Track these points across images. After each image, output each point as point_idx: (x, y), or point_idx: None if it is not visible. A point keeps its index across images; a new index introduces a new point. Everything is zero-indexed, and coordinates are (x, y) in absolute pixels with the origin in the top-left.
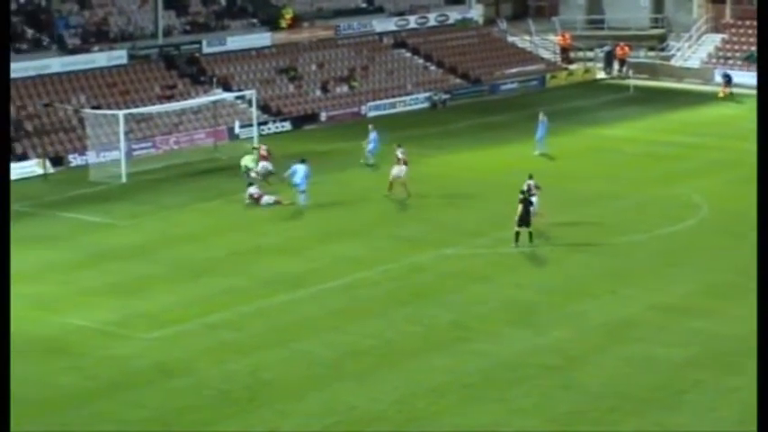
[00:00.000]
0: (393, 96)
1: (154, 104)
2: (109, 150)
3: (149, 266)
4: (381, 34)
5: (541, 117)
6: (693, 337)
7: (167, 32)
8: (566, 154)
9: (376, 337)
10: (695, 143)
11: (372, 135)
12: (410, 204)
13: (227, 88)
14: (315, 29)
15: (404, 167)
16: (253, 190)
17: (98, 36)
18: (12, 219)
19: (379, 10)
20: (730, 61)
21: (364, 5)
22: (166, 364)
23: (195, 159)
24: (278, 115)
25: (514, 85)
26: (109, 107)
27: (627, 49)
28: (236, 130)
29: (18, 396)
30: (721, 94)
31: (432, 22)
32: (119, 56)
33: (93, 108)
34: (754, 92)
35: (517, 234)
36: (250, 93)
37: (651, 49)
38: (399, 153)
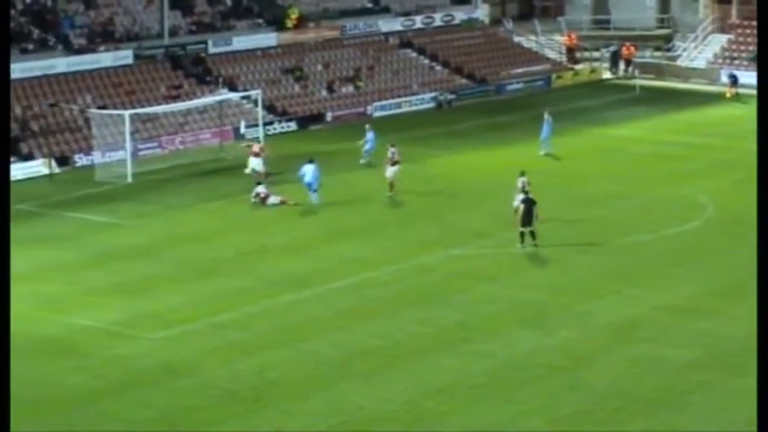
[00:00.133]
0: (399, 96)
1: (159, 104)
2: (114, 150)
3: (155, 266)
4: (387, 34)
5: (546, 116)
6: (699, 337)
7: (173, 32)
8: (571, 154)
9: (383, 338)
10: (701, 143)
11: (369, 135)
12: (416, 205)
13: (233, 88)
14: (320, 29)
15: (395, 168)
16: (260, 189)
17: (104, 36)
18: (18, 219)
19: (385, 10)
20: (736, 62)
21: (370, 5)
22: (172, 363)
23: (201, 159)
24: (284, 115)
25: (520, 86)
26: (115, 107)
27: (633, 49)
28: (242, 130)
29: (24, 396)
30: (728, 95)
31: (437, 23)
32: (124, 56)
33: (99, 108)
34: None
35: (522, 234)
36: (256, 93)
37: (657, 49)
38: (390, 153)
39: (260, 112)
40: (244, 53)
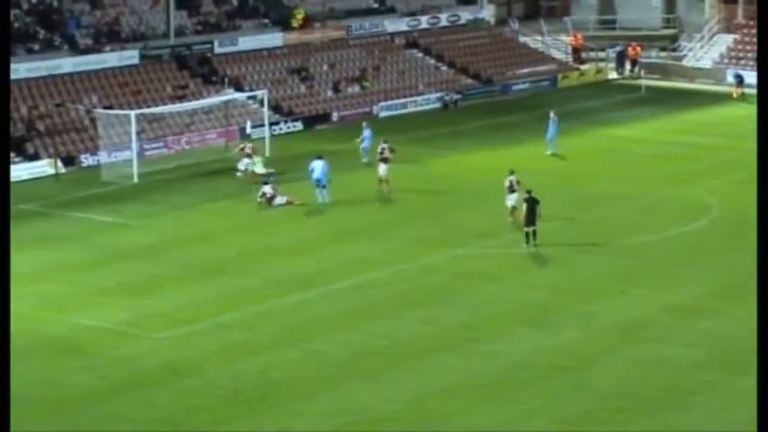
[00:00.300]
0: (404, 96)
1: (165, 104)
2: (120, 150)
3: (161, 266)
4: (393, 34)
5: (552, 116)
6: (704, 337)
7: (179, 32)
8: (577, 154)
9: (388, 338)
10: (706, 144)
11: (366, 132)
12: (421, 205)
13: (239, 88)
14: (326, 29)
15: (386, 164)
16: (267, 189)
17: (110, 36)
18: (23, 219)
19: (391, 10)
20: (742, 62)
21: (376, 6)
22: (178, 363)
23: (207, 159)
24: (289, 115)
25: (526, 86)
26: (121, 107)
27: (639, 49)
28: (248, 130)
29: (30, 396)
30: (735, 95)
31: (443, 23)
32: (130, 56)
33: (105, 108)
34: None
35: (527, 234)
36: (261, 93)
37: (663, 49)
38: (380, 149)
39: (266, 112)
40: (250, 53)
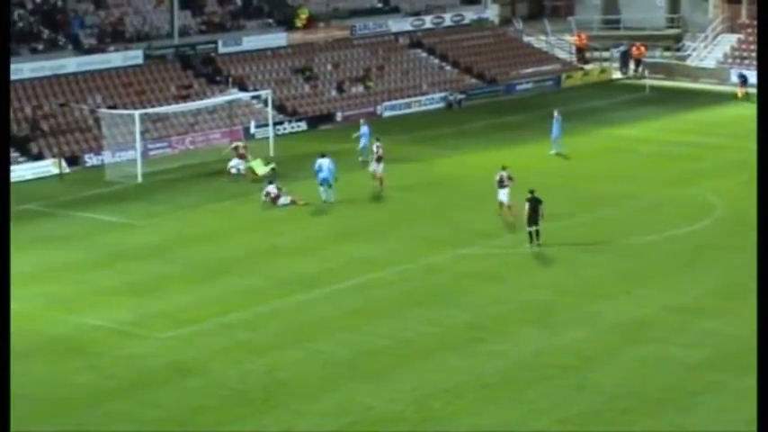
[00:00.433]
0: (408, 96)
1: (169, 104)
2: (125, 150)
3: (165, 266)
4: (397, 34)
5: (556, 115)
6: (708, 337)
7: (183, 32)
8: (581, 154)
9: (392, 338)
10: (711, 143)
11: (363, 129)
12: (424, 205)
13: (243, 88)
14: (330, 29)
15: (380, 163)
16: (271, 188)
17: (114, 36)
18: (27, 219)
19: (395, 10)
20: (746, 61)
21: (380, 5)
22: (182, 363)
23: (211, 159)
24: (293, 115)
25: (530, 86)
26: (125, 107)
27: (643, 49)
28: (252, 129)
29: (34, 395)
30: (739, 95)
31: (447, 22)
32: (134, 56)
33: (109, 108)
34: None
35: (530, 234)
36: (266, 93)
37: (667, 49)
38: (375, 147)
39: (270, 111)
40: (254, 53)
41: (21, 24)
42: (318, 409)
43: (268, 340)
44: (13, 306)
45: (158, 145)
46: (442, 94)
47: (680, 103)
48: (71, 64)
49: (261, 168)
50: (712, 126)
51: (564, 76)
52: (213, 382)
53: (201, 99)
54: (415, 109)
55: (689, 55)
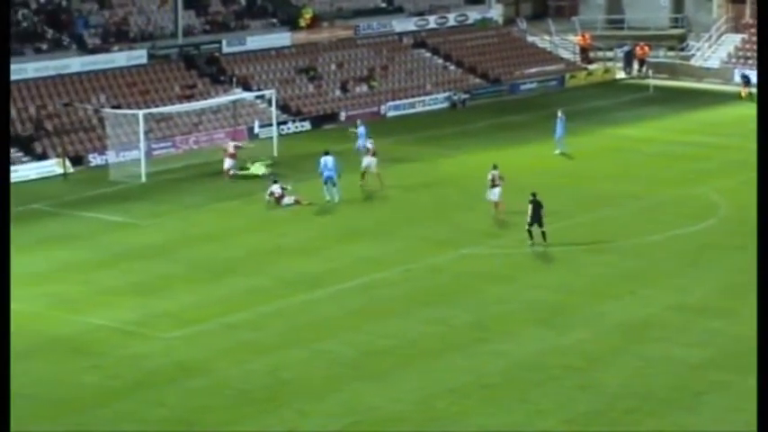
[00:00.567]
0: (412, 96)
1: (173, 104)
2: (129, 150)
3: (169, 266)
4: (401, 34)
5: (560, 115)
6: (712, 337)
7: (187, 32)
8: (585, 154)
9: (396, 338)
10: (714, 143)
11: (360, 129)
12: (428, 204)
13: (247, 88)
14: (334, 29)
15: (373, 159)
16: (275, 188)
17: (118, 36)
18: (31, 218)
19: (399, 10)
20: (750, 61)
21: (384, 5)
22: (186, 363)
23: (215, 159)
24: (297, 115)
25: (534, 85)
26: (129, 107)
27: (647, 48)
28: (256, 129)
29: (38, 395)
30: (743, 95)
31: (451, 22)
32: (139, 55)
33: (113, 108)
34: None
35: (530, 232)
36: (270, 92)
37: (671, 48)
38: (368, 144)
39: (274, 111)
40: (258, 53)
41: (25, 24)
42: (323, 408)
43: (272, 340)
44: (18, 306)
45: (162, 145)
46: (446, 94)
47: (684, 102)
48: (75, 64)
49: (260, 170)
50: (716, 126)
51: (568, 75)
52: (217, 381)
53: (205, 99)
54: (418, 109)
55: (693, 55)
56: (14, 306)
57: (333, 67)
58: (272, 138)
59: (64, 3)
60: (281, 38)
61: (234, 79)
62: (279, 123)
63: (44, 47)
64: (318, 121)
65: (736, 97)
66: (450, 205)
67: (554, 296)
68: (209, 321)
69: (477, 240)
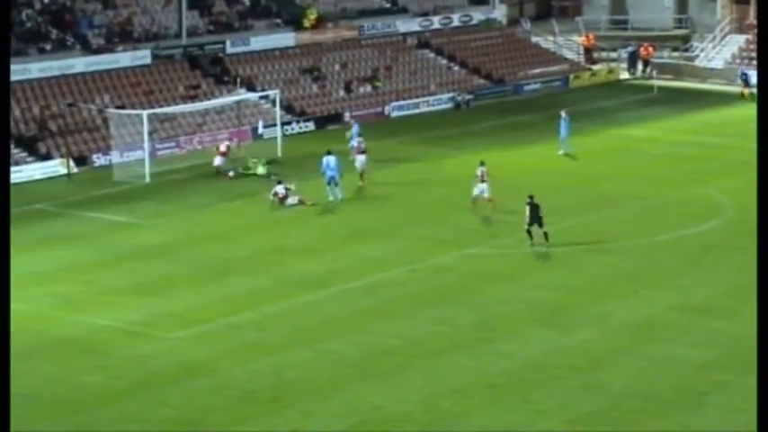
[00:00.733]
0: (416, 97)
1: (177, 104)
2: (133, 150)
3: (173, 266)
4: (405, 35)
5: (563, 115)
6: (716, 337)
7: (191, 32)
8: (589, 154)
9: (400, 338)
10: (718, 144)
11: (354, 128)
12: (432, 205)
13: (251, 88)
14: (338, 29)
15: (362, 156)
16: (279, 188)
17: (122, 36)
18: (35, 218)
19: (403, 10)
20: (754, 62)
21: (388, 6)
22: (191, 363)
23: None
24: (301, 115)
25: (538, 86)
26: (133, 107)
27: (651, 49)
28: (260, 130)
29: (42, 396)
30: (745, 95)
31: (455, 23)
32: (143, 56)
33: (117, 108)
34: None
35: (529, 232)
36: (274, 93)
37: (675, 49)
38: (355, 142)
39: (278, 112)
40: (262, 53)
41: (29, 24)
42: (327, 409)
43: (276, 340)
44: (21, 306)
45: (166, 145)
46: (450, 95)
47: (688, 103)
48: (79, 64)
49: (261, 169)
50: (720, 126)
51: (572, 76)
52: (222, 382)
53: (209, 99)
54: (423, 109)
55: (697, 55)
56: (18, 306)
57: (337, 67)
58: (275, 138)
59: (68, 3)
60: (285, 38)
61: (238, 79)
62: (283, 124)
63: (48, 47)
64: (322, 121)
65: (738, 97)
66: (453, 205)
67: (558, 296)
68: (214, 321)
69: (481, 240)
